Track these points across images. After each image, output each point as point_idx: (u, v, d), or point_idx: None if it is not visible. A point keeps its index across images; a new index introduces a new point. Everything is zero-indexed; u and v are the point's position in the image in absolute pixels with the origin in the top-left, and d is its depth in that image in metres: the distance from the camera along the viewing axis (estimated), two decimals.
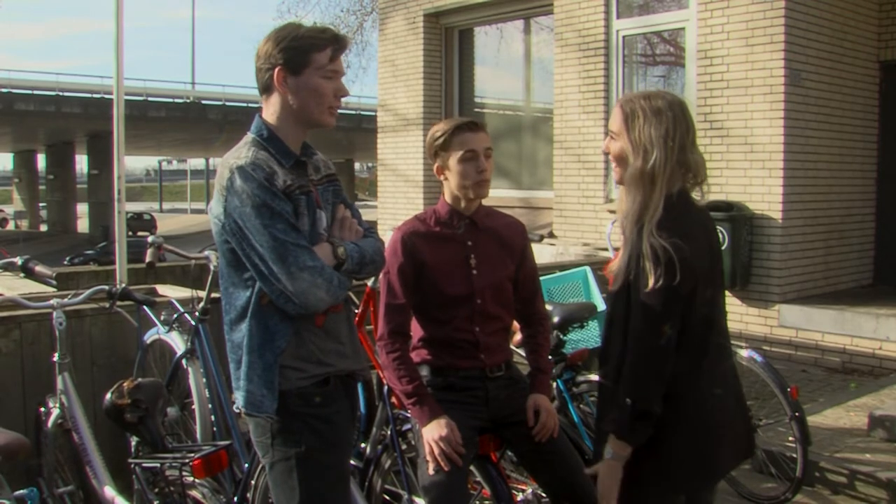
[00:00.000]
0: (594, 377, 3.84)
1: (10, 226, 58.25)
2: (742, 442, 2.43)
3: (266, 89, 2.35)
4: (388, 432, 3.11)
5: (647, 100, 2.28)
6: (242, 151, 2.30)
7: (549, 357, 3.30)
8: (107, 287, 3.77)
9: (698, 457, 2.26)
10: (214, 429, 3.76)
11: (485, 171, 2.90)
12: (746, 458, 2.56)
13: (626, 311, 2.24)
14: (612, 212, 7.89)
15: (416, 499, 2.99)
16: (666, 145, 2.22)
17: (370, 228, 2.52)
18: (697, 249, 2.21)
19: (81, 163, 52.62)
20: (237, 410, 2.40)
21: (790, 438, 4.07)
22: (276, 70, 2.29)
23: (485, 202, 3.04)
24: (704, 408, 2.27)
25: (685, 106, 2.31)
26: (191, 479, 2.94)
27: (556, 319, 3.84)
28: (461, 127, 2.91)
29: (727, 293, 2.52)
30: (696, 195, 2.37)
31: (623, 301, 2.26)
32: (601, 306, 4.83)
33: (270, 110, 2.36)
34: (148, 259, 4.32)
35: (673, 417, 2.20)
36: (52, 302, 3.55)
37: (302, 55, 2.29)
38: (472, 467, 2.84)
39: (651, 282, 2.15)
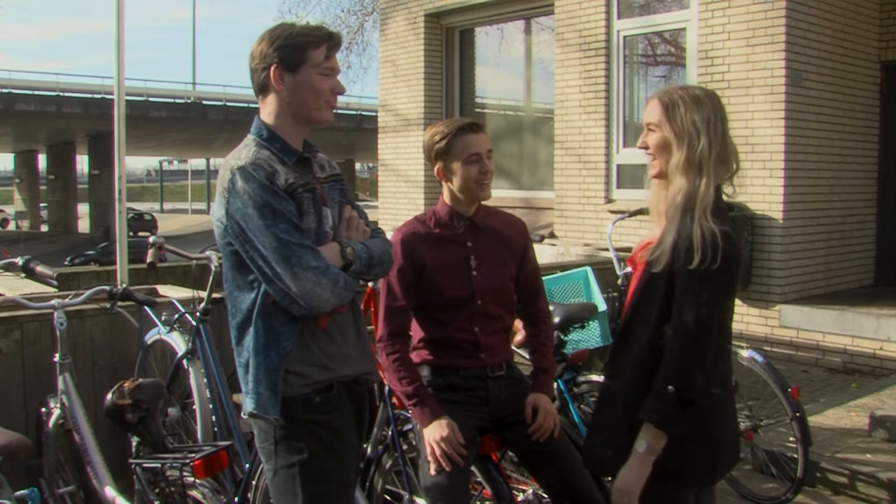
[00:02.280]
0: (595, 377, 3.84)
1: (11, 226, 58.25)
2: (735, 444, 2.43)
3: (262, 89, 2.34)
4: (389, 432, 3.11)
5: (684, 90, 2.29)
6: (243, 152, 2.29)
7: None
8: (108, 287, 3.77)
9: (705, 454, 2.26)
10: (215, 429, 3.76)
11: (488, 172, 2.90)
12: (736, 462, 2.54)
13: (663, 302, 2.21)
14: (613, 212, 7.89)
15: (418, 499, 3.00)
16: (709, 131, 2.22)
17: (377, 229, 2.50)
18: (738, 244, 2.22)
19: (82, 163, 52.63)
20: (244, 416, 2.38)
21: (791, 439, 4.07)
22: (273, 68, 2.28)
23: (486, 202, 3.04)
24: (710, 406, 2.25)
25: (720, 98, 2.32)
26: (191, 479, 2.94)
27: (556, 320, 3.83)
28: (463, 129, 2.90)
29: None
30: (728, 190, 2.35)
31: (660, 289, 2.22)
32: (602, 307, 4.83)
33: (268, 110, 2.35)
34: (149, 259, 4.32)
35: (683, 415, 2.18)
36: (53, 302, 3.55)
37: (298, 52, 2.29)
38: (473, 467, 2.84)
39: (697, 260, 2.12)
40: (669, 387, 2.13)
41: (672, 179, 2.27)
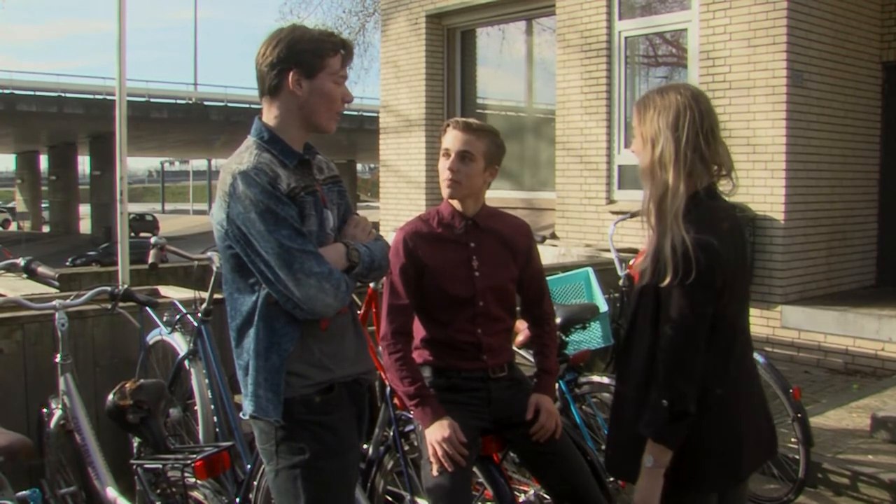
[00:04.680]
0: (596, 378, 3.84)
1: (13, 226, 58.29)
2: (766, 442, 2.42)
3: (273, 91, 2.31)
4: (391, 433, 3.11)
5: (659, 93, 2.28)
6: (244, 156, 2.27)
7: None
8: (109, 288, 3.78)
9: (725, 457, 2.25)
10: (217, 429, 3.76)
11: (451, 171, 2.88)
12: (770, 458, 2.53)
13: (654, 311, 2.21)
14: (615, 213, 7.89)
15: (419, 500, 3.00)
16: (674, 134, 2.20)
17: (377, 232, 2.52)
18: (727, 246, 2.19)
19: (84, 164, 52.74)
20: (244, 417, 2.38)
21: (792, 440, 4.06)
22: (291, 73, 2.27)
23: (487, 203, 3.04)
24: (730, 409, 2.25)
25: (701, 96, 2.28)
26: (193, 480, 2.95)
27: (558, 320, 3.83)
28: (452, 123, 2.93)
29: None
30: (726, 187, 2.33)
31: (650, 299, 2.23)
32: (603, 307, 4.83)
33: (273, 112, 2.33)
34: (150, 260, 4.32)
35: (700, 419, 2.17)
36: (54, 303, 3.56)
37: (317, 58, 2.28)
38: (474, 468, 2.84)
39: (669, 277, 2.12)
40: (663, 401, 2.14)
41: (643, 182, 2.30)
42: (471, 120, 2.97)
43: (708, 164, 2.26)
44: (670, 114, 2.22)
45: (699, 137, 2.22)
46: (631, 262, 5.15)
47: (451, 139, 2.90)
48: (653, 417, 2.15)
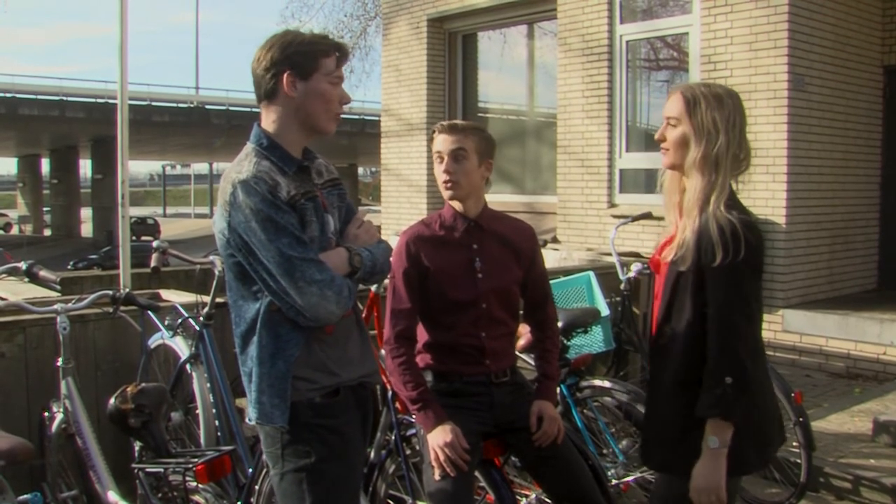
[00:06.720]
0: (598, 382, 3.84)
1: (15, 230, 58.33)
2: (780, 424, 2.46)
3: (269, 95, 2.32)
4: (393, 437, 3.11)
5: (707, 87, 2.32)
6: (244, 165, 2.27)
7: None
8: (111, 292, 3.79)
9: (760, 437, 2.29)
10: (218, 433, 3.76)
11: (448, 173, 2.89)
12: (782, 442, 2.56)
13: (695, 296, 2.24)
14: (616, 216, 7.89)
15: None
16: (728, 130, 2.25)
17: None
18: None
19: (85, 167, 52.74)
20: (249, 422, 2.39)
21: (794, 443, 4.06)
22: (285, 75, 2.27)
23: (492, 206, 3.04)
24: (763, 392, 2.30)
25: (740, 98, 2.35)
26: (194, 484, 2.94)
27: (559, 324, 3.82)
28: (438, 128, 2.94)
29: None
30: (733, 186, 2.37)
31: (690, 285, 2.25)
32: (605, 311, 4.83)
33: (272, 117, 2.34)
34: (152, 263, 4.32)
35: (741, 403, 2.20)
36: (56, 306, 3.56)
37: (311, 60, 2.29)
38: (476, 473, 2.84)
39: (720, 257, 2.16)
40: (727, 378, 2.15)
41: (688, 175, 2.31)
42: (455, 121, 3.00)
43: (738, 162, 2.31)
44: (725, 109, 2.27)
45: (742, 137, 2.29)
46: (653, 256, 5.12)
47: (441, 142, 2.91)
48: (717, 398, 2.16)
